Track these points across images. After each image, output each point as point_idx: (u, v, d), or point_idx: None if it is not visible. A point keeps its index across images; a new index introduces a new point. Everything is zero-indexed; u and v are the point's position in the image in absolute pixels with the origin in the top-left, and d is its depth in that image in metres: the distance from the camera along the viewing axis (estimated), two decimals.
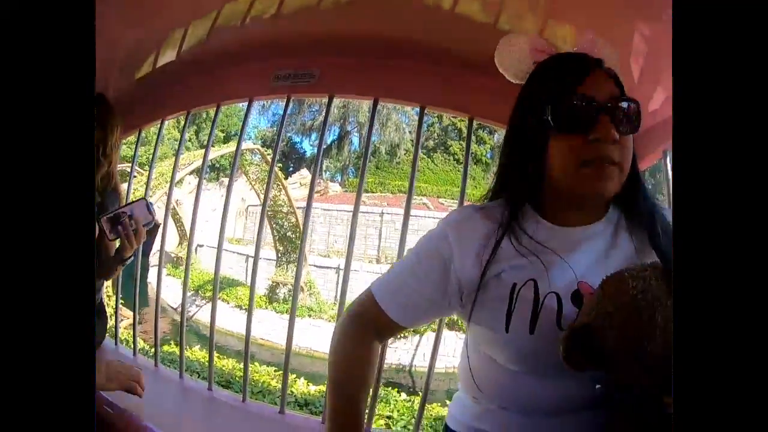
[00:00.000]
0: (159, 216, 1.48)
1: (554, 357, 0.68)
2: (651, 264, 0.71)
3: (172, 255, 13.92)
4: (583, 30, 0.82)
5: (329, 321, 11.33)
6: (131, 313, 1.90)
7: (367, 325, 0.90)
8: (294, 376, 4.50)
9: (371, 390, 0.96)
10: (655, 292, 0.66)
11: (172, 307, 10.36)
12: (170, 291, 10.78)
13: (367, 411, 1.49)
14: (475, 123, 1.56)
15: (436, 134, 23.04)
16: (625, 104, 0.76)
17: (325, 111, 1.72)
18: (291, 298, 11.89)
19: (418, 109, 1.52)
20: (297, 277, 1.63)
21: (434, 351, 1.46)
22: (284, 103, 1.66)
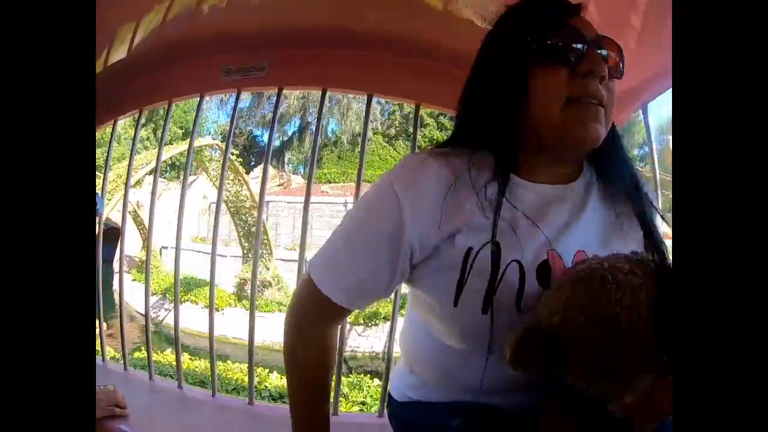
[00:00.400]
0: (115, 218, 1.46)
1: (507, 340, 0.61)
2: (638, 260, 0.59)
3: (137, 259, 13.49)
4: None
5: None
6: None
7: (314, 316, 0.79)
8: (267, 370, 4.49)
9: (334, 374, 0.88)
10: (643, 313, 0.54)
11: (140, 313, 10.02)
12: (137, 297, 10.36)
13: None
14: (435, 110, 1.58)
15: (397, 122, 23.03)
16: (611, 45, 0.70)
17: (275, 103, 1.72)
18: (259, 294, 11.76)
19: (379, 99, 1.55)
20: (254, 266, 1.64)
21: (391, 333, 1.50)
22: (240, 97, 1.66)
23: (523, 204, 0.69)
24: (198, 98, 1.65)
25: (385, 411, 1.47)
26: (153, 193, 1.83)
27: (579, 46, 0.67)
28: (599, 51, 0.68)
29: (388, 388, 0.93)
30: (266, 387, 3.74)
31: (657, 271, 0.57)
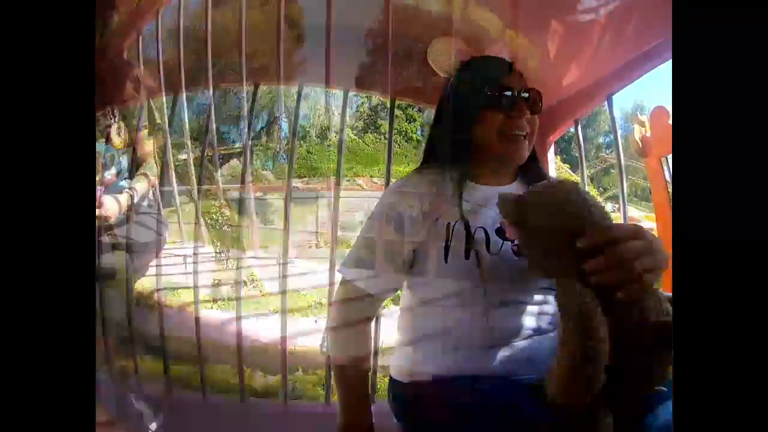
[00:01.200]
0: None
1: (485, 279, 0.90)
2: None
3: None
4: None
5: (275, 312, 11.07)
6: None
7: (350, 308, 1.01)
8: (249, 369, 4.46)
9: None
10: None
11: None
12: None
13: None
14: (404, 102, 1.61)
15: (366, 114, 22.93)
16: (533, 92, 1.01)
17: (252, 99, 1.71)
18: (234, 294, 11.61)
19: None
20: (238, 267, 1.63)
21: (377, 328, 1.51)
22: (205, 93, 1.63)
23: (475, 197, 0.99)
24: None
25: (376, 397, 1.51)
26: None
27: (509, 98, 1.00)
28: (526, 95, 1.01)
29: (390, 371, 1.07)
30: (251, 385, 3.73)
31: None
